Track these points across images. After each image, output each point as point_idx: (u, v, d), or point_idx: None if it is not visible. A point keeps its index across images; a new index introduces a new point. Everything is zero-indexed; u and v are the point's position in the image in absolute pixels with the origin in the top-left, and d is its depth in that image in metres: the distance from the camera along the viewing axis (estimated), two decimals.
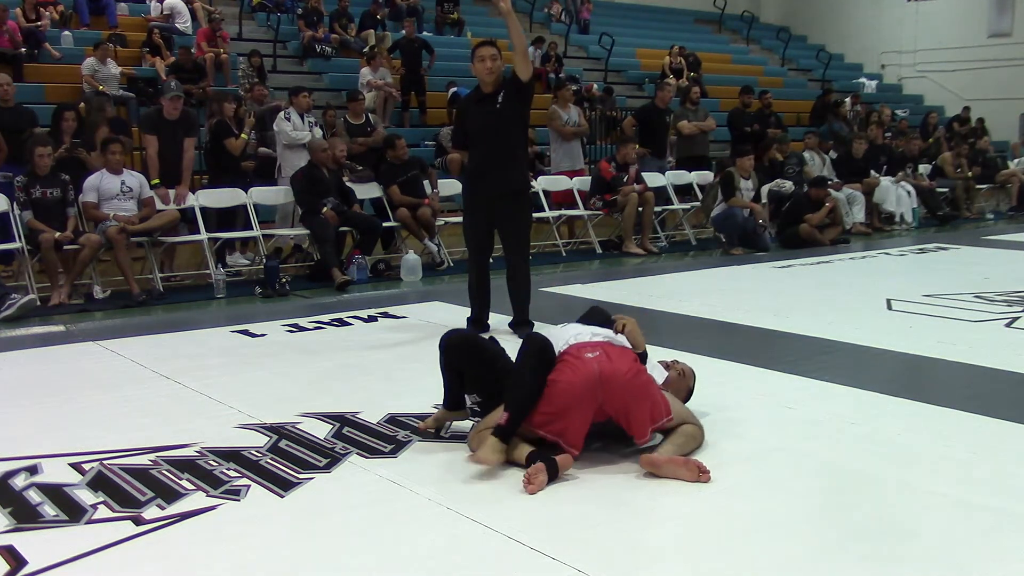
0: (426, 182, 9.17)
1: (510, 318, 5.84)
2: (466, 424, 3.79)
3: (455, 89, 12.88)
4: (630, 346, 3.68)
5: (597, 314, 4.05)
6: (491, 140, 5.54)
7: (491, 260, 5.87)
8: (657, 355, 4.02)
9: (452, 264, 8.74)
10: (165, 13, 13.48)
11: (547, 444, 3.38)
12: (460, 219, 9.08)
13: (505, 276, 5.79)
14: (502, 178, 5.56)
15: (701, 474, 3.24)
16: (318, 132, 9.12)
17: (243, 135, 8.75)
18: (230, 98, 9.18)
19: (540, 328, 5.11)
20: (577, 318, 3.98)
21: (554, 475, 3.23)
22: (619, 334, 3.73)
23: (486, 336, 5.60)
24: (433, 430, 3.82)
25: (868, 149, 12.31)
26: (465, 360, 3.64)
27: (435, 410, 4.08)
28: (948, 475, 3.32)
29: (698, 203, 11.02)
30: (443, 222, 9.02)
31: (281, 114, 9.04)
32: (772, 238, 10.30)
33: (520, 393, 3.37)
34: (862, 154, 12.18)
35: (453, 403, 3.77)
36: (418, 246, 8.85)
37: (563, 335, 3.60)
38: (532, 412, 3.38)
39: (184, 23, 13.41)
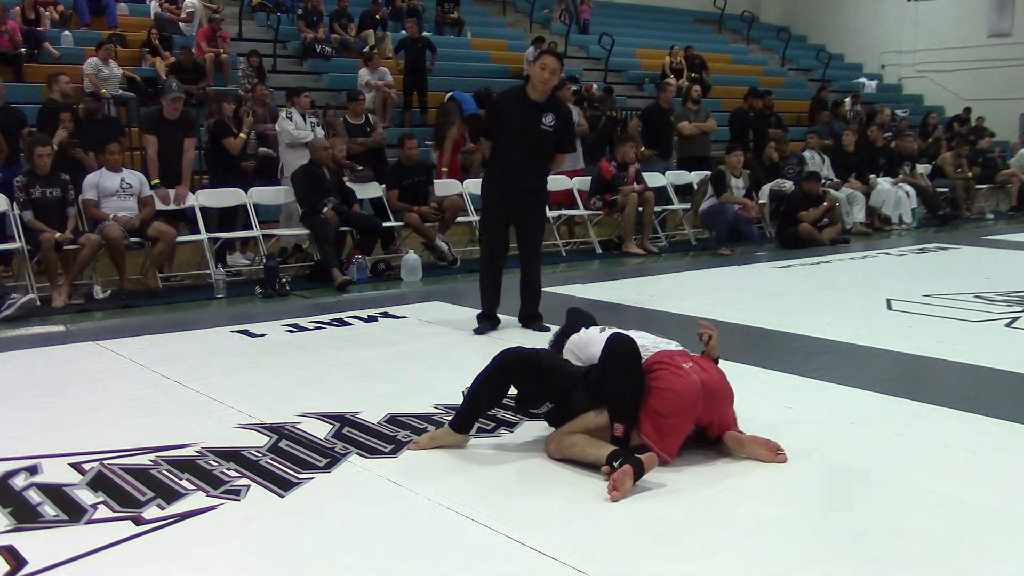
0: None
1: (512, 316, 5.89)
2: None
3: (452, 93, 12.87)
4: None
5: (583, 316, 4.08)
6: (530, 147, 5.67)
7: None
8: None
9: (459, 262, 8.75)
10: (189, 11, 13.48)
11: (616, 437, 3.37)
12: (463, 218, 9.17)
13: (520, 274, 5.88)
14: (529, 178, 5.73)
15: (777, 454, 3.41)
16: (320, 132, 9.14)
17: (242, 134, 8.74)
18: (230, 98, 9.16)
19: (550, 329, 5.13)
20: (565, 325, 4.01)
21: (639, 477, 3.17)
22: (707, 344, 3.73)
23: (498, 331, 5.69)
24: (426, 449, 3.64)
25: (862, 145, 12.28)
26: (527, 378, 3.59)
27: (435, 410, 4.08)
28: (948, 475, 3.33)
29: None
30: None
31: (283, 114, 9.05)
32: (771, 237, 10.27)
33: (629, 404, 3.38)
34: (853, 146, 12.16)
35: (464, 426, 3.67)
36: (419, 246, 8.83)
37: (640, 341, 3.58)
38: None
39: (190, 25, 13.42)
